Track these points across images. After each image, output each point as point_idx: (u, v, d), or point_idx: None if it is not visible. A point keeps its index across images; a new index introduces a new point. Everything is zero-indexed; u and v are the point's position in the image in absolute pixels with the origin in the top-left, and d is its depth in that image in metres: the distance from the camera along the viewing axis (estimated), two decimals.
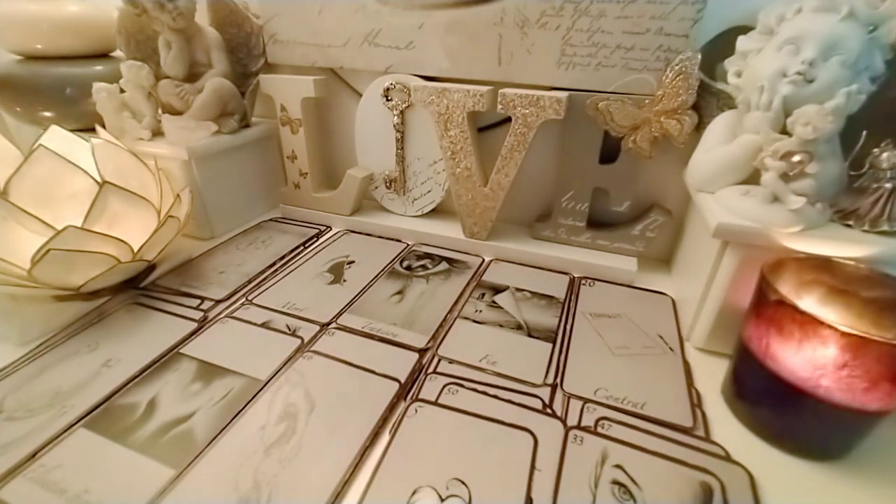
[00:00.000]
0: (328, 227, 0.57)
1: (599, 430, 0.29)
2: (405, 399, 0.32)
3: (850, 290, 0.30)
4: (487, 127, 0.50)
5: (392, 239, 0.54)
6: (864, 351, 0.24)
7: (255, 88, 0.55)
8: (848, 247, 0.31)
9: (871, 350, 0.24)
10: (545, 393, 0.32)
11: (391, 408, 0.31)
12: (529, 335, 0.38)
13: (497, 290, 0.44)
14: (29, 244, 0.34)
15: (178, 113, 0.51)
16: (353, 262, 0.49)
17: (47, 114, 0.56)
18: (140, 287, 0.43)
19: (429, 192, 0.54)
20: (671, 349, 0.37)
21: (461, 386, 0.33)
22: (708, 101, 0.41)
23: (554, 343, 0.37)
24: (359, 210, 0.58)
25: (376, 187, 0.56)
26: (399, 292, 0.44)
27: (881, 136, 0.32)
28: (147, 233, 0.39)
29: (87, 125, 0.54)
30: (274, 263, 0.48)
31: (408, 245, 0.53)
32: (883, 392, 0.25)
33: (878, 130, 0.33)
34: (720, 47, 0.39)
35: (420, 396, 0.32)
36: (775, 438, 0.29)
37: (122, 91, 0.50)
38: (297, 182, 0.57)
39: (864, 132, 0.33)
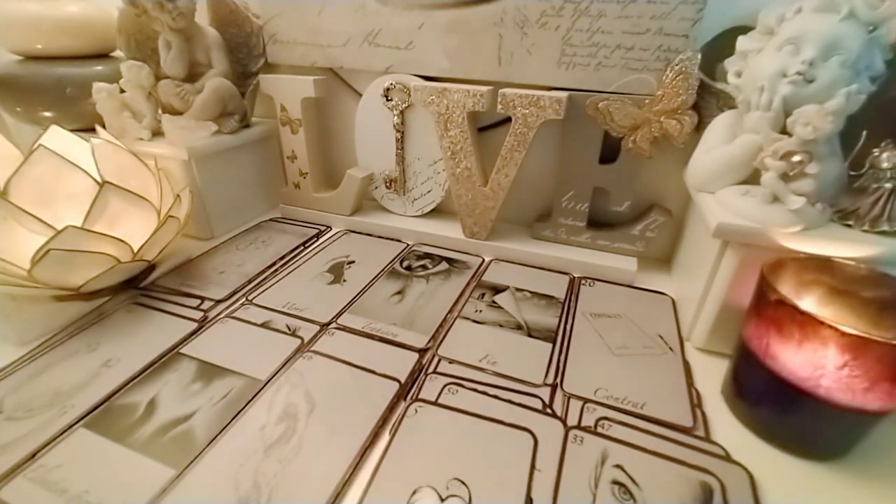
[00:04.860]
0: (328, 227, 0.57)
1: (599, 430, 0.29)
2: (405, 399, 0.32)
3: (850, 290, 0.30)
4: (487, 127, 0.50)
5: (392, 239, 0.54)
6: (864, 351, 0.24)
7: (255, 88, 0.55)
8: (848, 247, 0.31)
9: (871, 350, 0.24)
10: (545, 393, 0.32)
11: (391, 408, 0.31)
12: (529, 335, 0.38)
13: (497, 290, 0.44)
14: (29, 244, 0.34)
15: (179, 113, 0.51)
16: (353, 262, 0.49)
17: (47, 114, 0.56)
18: (140, 287, 0.43)
19: (429, 192, 0.54)
20: (671, 349, 0.37)
21: (461, 386, 0.33)
22: (708, 101, 0.41)
23: (554, 343, 0.37)
24: (359, 210, 0.58)
25: (376, 187, 0.56)
26: (399, 292, 0.44)
27: (881, 136, 0.32)
28: (147, 233, 0.39)
29: (87, 125, 0.54)
30: (274, 263, 0.48)
31: (408, 245, 0.53)
32: (883, 392, 0.25)
33: (878, 130, 0.33)
34: (720, 47, 0.39)
35: (420, 396, 0.32)
36: (775, 438, 0.29)
37: (122, 91, 0.50)
38: (297, 182, 0.57)
39: (864, 132, 0.33)
